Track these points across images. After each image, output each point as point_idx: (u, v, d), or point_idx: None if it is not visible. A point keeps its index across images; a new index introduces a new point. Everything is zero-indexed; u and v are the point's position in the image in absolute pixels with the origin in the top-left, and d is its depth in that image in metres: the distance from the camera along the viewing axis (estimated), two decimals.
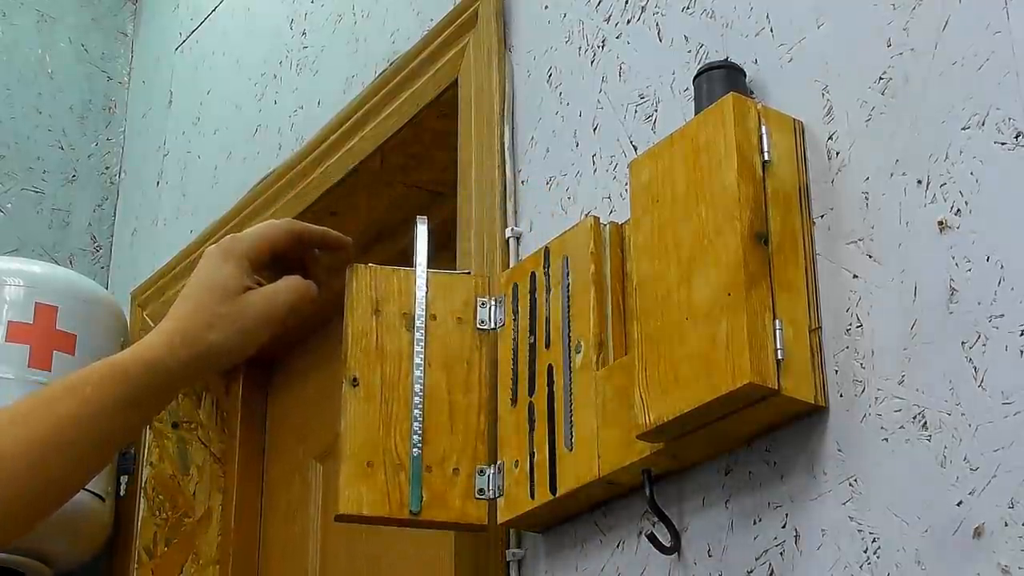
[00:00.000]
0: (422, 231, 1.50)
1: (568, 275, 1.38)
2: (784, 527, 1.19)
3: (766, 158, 1.23)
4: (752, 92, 1.33)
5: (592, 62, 1.58)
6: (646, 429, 1.21)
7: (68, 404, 0.95)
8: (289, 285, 1.13)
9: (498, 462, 1.42)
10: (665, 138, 1.28)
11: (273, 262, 1.15)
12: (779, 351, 1.16)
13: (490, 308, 1.49)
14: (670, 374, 1.20)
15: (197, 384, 1.17)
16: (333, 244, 1.23)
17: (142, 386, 1.00)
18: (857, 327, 1.18)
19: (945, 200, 1.14)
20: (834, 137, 1.25)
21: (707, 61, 1.39)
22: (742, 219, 1.18)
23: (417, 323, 1.47)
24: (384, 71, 1.99)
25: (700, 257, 1.20)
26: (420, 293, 1.48)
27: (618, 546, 1.34)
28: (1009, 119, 1.11)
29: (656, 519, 1.28)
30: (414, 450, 1.42)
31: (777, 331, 1.17)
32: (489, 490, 1.42)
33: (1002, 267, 1.08)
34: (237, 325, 1.07)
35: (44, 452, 0.93)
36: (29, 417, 0.94)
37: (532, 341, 1.41)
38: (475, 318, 1.49)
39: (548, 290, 1.41)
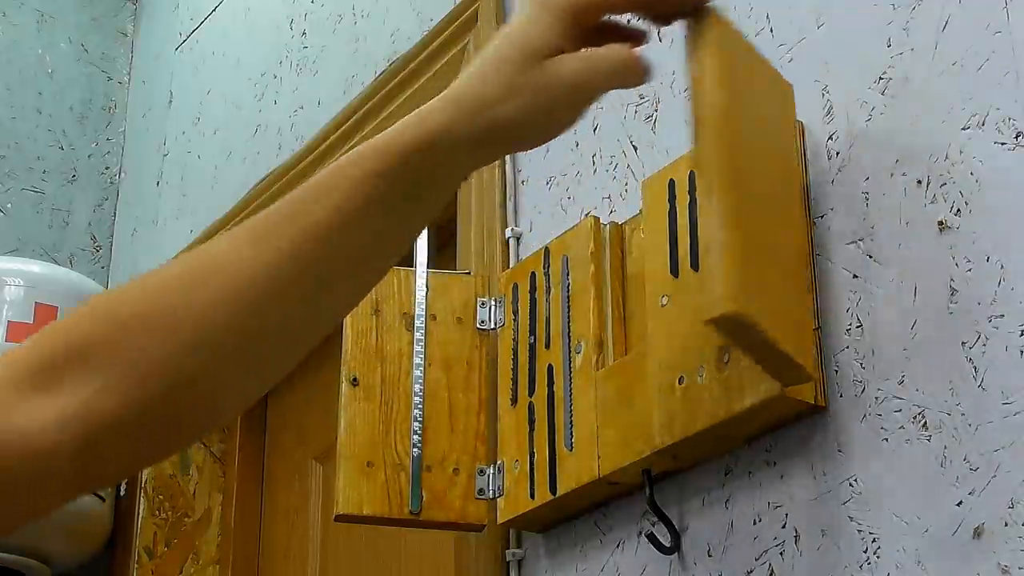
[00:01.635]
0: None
1: (568, 275, 1.38)
2: (784, 527, 1.19)
3: None
4: None
5: None
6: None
7: (315, 214, 0.78)
8: (614, 51, 0.86)
9: (498, 462, 1.42)
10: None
11: (597, 30, 0.87)
12: None
13: (490, 308, 1.49)
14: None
15: (485, 166, 0.92)
16: (694, 7, 0.96)
17: (410, 173, 0.81)
18: (857, 327, 1.18)
19: (945, 200, 1.14)
20: (834, 137, 1.25)
21: None
22: None
23: (417, 323, 1.47)
24: (384, 71, 1.99)
25: None
26: (420, 293, 1.48)
27: (618, 546, 1.34)
28: (1009, 119, 1.10)
29: (656, 519, 1.28)
30: (414, 450, 1.42)
31: None
32: (489, 490, 1.42)
33: (1002, 267, 1.08)
34: (544, 96, 0.83)
35: (290, 274, 0.77)
36: (269, 235, 0.77)
37: (532, 341, 1.41)
38: (475, 318, 1.49)
39: (548, 290, 1.40)
